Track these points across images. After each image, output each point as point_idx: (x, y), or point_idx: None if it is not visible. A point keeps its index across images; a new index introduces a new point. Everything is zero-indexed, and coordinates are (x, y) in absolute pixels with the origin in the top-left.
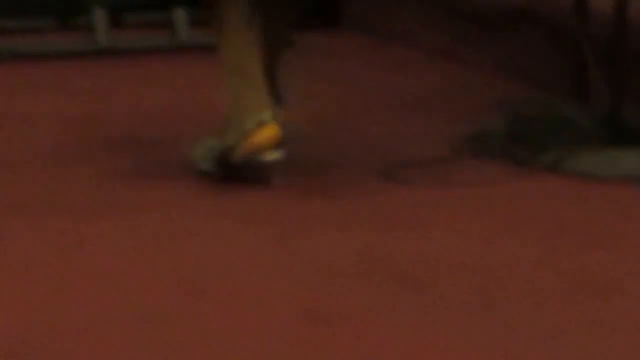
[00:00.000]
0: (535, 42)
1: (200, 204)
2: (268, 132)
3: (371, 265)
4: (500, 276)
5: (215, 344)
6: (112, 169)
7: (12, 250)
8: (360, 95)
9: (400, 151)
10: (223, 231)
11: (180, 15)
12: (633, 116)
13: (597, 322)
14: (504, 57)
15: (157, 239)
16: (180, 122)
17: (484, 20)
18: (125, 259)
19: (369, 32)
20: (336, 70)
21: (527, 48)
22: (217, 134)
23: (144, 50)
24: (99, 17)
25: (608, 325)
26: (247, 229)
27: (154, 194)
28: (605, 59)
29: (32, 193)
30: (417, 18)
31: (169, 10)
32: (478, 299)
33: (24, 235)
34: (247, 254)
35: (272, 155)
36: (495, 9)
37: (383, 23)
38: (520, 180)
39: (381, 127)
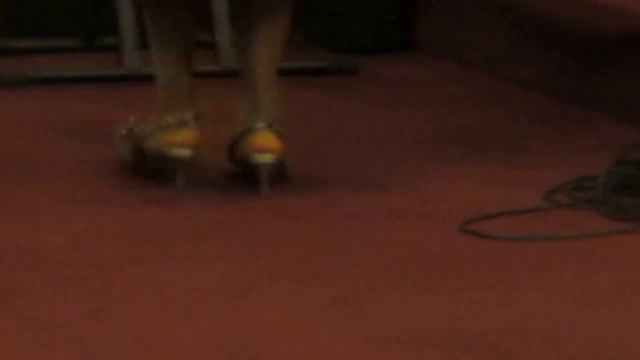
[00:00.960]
0: None
1: (239, 254)
2: (186, 134)
3: (451, 334)
4: (600, 348)
5: None
6: (136, 218)
7: (29, 310)
8: (434, 133)
9: (482, 199)
10: (270, 289)
11: (224, 36)
12: None
13: None
14: (609, 92)
15: (191, 296)
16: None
17: (586, 49)
18: (160, 321)
19: (446, 58)
20: (405, 102)
21: (636, 81)
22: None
23: None
24: (127, 37)
25: None
26: (301, 288)
27: (184, 244)
28: None
29: (49, 242)
30: (506, 44)
31: (212, 30)
32: None
33: (43, 292)
34: (303, 320)
35: (181, 152)
36: (601, 37)
37: (464, 48)
38: (625, 235)
39: (461, 170)
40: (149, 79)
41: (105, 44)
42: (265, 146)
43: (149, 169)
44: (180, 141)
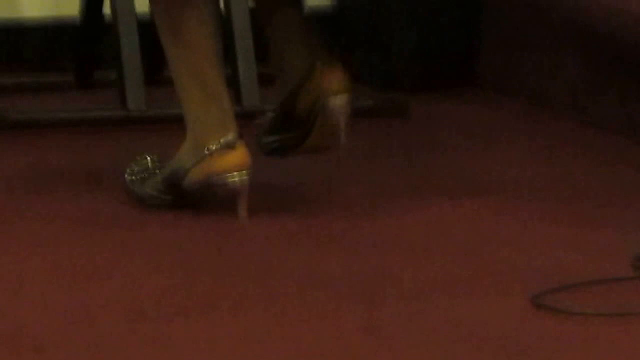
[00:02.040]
0: None
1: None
2: (235, 157)
3: None
4: None
5: None
6: (139, 287)
7: None
8: (500, 185)
9: (559, 266)
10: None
11: (248, 71)
12: None
13: None
14: None
15: None
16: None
17: None
18: None
19: (514, 95)
20: (465, 148)
21: None
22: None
23: None
24: (131, 71)
25: None
26: None
27: (198, 321)
28: None
29: (33, 323)
30: (587, 77)
31: (230, 62)
32: None
33: None
34: None
35: (237, 178)
36: None
37: (534, 83)
38: None
39: (532, 231)
40: (155, 121)
41: (104, 79)
42: (341, 85)
43: (190, 204)
44: (232, 166)
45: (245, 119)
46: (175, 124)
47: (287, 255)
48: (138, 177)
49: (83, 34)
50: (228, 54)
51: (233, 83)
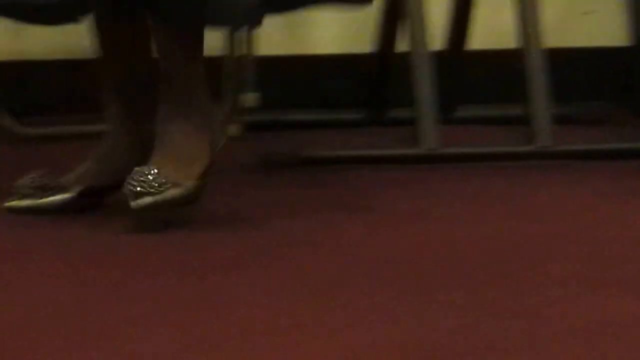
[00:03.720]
0: None
1: None
2: None
3: None
4: None
5: None
6: None
7: None
8: None
9: None
10: None
11: (542, 110)
12: None
13: None
14: None
15: None
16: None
17: None
18: None
19: None
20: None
21: None
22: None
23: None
24: (424, 109)
25: None
26: None
27: None
28: None
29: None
30: None
31: (525, 101)
32: None
33: None
34: None
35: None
36: None
37: None
38: None
39: None
40: (449, 159)
41: (397, 117)
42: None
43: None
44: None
45: (538, 158)
46: (466, 163)
47: None
48: (44, 191)
49: (378, 71)
50: (523, 94)
51: (527, 122)
